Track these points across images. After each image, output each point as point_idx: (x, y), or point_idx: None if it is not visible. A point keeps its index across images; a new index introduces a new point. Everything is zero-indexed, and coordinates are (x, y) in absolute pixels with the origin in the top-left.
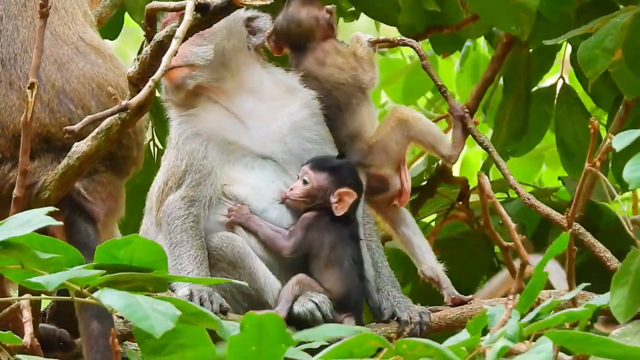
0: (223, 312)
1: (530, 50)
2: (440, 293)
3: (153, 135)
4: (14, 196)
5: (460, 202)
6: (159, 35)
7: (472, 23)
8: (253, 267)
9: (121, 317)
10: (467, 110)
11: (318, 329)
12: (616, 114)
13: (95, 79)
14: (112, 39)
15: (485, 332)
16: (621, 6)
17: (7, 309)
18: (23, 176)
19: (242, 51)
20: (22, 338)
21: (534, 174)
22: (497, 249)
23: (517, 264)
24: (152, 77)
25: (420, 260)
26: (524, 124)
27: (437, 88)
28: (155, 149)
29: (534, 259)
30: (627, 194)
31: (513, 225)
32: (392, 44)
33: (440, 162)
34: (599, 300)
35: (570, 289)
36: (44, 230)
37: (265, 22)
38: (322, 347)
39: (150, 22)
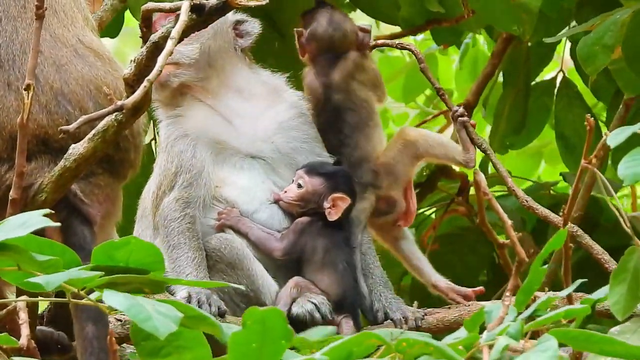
0: (221, 314)
1: (530, 44)
2: (450, 300)
3: (155, 135)
4: (10, 198)
5: (460, 197)
6: (154, 36)
7: (472, 16)
8: (251, 268)
9: (119, 320)
10: (466, 113)
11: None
12: (615, 110)
13: (93, 81)
14: (112, 37)
15: (482, 329)
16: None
17: (4, 310)
18: (20, 178)
19: (228, 52)
20: (19, 340)
21: (533, 171)
22: (498, 251)
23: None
24: (148, 78)
25: (428, 274)
26: (523, 118)
27: (435, 91)
28: (157, 146)
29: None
30: (627, 191)
31: (509, 222)
32: (389, 47)
33: None
34: (596, 294)
35: (567, 286)
36: (41, 233)
37: (252, 26)
38: None
39: (146, 23)
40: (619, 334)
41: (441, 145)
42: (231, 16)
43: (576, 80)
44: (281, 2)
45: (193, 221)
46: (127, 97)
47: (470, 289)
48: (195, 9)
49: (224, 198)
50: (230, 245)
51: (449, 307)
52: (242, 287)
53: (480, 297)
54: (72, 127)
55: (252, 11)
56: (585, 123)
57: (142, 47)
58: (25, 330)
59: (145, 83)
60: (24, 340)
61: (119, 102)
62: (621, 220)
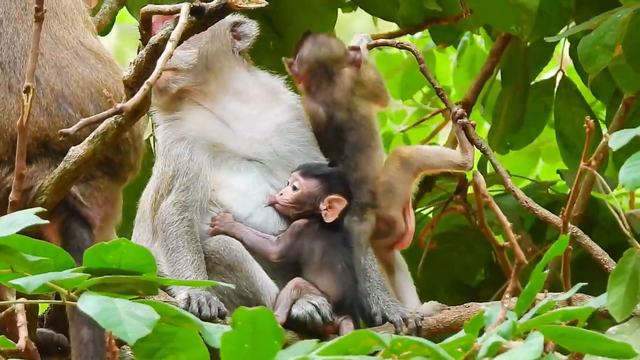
0: (221, 316)
1: (528, 43)
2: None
3: (153, 131)
4: (10, 200)
5: (458, 196)
6: (154, 39)
7: (470, 15)
8: (250, 270)
9: None
10: (466, 114)
11: None
12: (615, 107)
13: (94, 83)
14: (103, 35)
15: (482, 332)
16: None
17: (3, 312)
18: (19, 180)
19: (226, 54)
20: (17, 342)
21: (531, 169)
22: (497, 253)
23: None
24: (147, 81)
25: (413, 306)
26: (522, 116)
27: (434, 91)
28: (155, 144)
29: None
30: (625, 189)
31: (508, 225)
32: (390, 46)
33: None
34: (597, 301)
35: (566, 289)
36: (39, 235)
37: (250, 28)
38: None
39: (145, 25)
40: (617, 334)
41: (436, 154)
42: (229, 18)
43: (575, 79)
44: (278, 2)
45: (191, 224)
46: (127, 99)
47: None
48: (194, 11)
49: (219, 202)
50: (229, 247)
51: (449, 308)
52: (231, 286)
53: (478, 297)
54: (72, 129)
55: (249, 11)
56: (585, 125)
57: (141, 50)
58: (23, 333)
59: (144, 86)
60: (22, 343)
61: (119, 105)
62: (619, 221)
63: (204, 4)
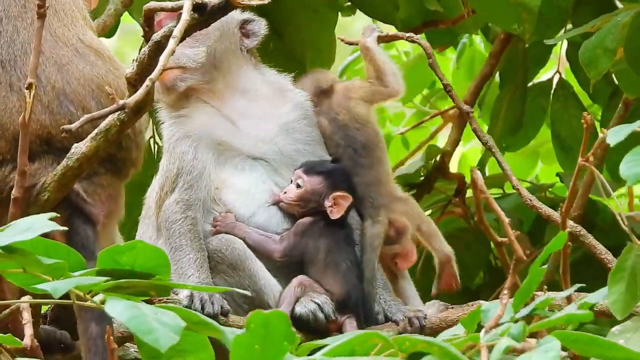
0: (224, 314)
1: (527, 45)
2: None
3: (153, 132)
4: (12, 197)
5: (457, 198)
6: (156, 36)
7: (469, 17)
8: (253, 269)
9: None
10: (472, 110)
11: None
12: (612, 110)
13: (95, 80)
14: (108, 37)
15: (479, 328)
16: (618, 2)
17: (7, 310)
18: (22, 177)
19: (235, 53)
20: (22, 339)
21: (529, 171)
22: (493, 245)
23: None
24: (150, 77)
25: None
26: (520, 118)
27: (442, 86)
28: (156, 146)
29: None
30: (623, 190)
31: (507, 221)
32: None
33: (438, 157)
34: (594, 297)
35: (566, 286)
36: (45, 233)
37: (259, 26)
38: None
39: (148, 22)
40: (620, 334)
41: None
42: (237, 16)
43: (572, 81)
44: (278, 2)
45: (195, 222)
46: (130, 96)
47: None
48: (197, 8)
49: (222, 201)
50: (231, 246)
51: (452, 307)
52: (247, 293)
53: (478, 300)
54: (74, 126)
55: (249, 11)
56: (582, 121)
57: (144, 46)
58: (29, 331)
59: (147, 82)
60: (27, 341)
61: (121, 102)
62: (619, 219)
63: (207, 0)
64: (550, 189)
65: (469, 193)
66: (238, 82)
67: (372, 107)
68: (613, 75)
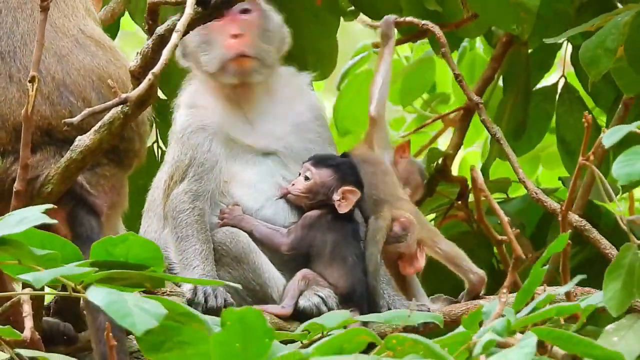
0: (227, 306)
1: (530, 50)
2: None
3: (157, 137)
4: (14, 190)
5: (460, 202)
6: (160, 29)
7: (472, 22)
8: (257, 262)
9: None
10: (482, 102)
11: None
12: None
13: (95, 71)
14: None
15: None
16: (619, 5)
17: (8, 302)
18: (24, 170)
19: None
20: (23, 332)
21: (531, 175)
22: (496, 248)
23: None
24: (153, 71)
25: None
26: (523, 123)
27: (454, 76)
28: (159, 150)
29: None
30: (624, 194)
31: (506, 219)
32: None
33: (439, 160)
34: (595, 298)
35: (565, 282)
36: (47, 226)
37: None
38: None
39: (152, 16)
40: (615, 331)
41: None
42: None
43: (577, 85)
44: (278, 6)
45: (202, 213)
46: (133, 89)
47: None
48: (200, 1)
49: (230, 194)
50: (236, 239)
51: (458, 301)
52: (238, 286)
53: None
54: (75, 119)
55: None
56: (583, 120)
57: (148, 40)
58: (28, 323)
59: (150, 76)
60: (27, 333)
61: (124, 95)
62: (620, 221)
63: None
64: (554, 194)
65: (472, 197)
66: (269, 83)
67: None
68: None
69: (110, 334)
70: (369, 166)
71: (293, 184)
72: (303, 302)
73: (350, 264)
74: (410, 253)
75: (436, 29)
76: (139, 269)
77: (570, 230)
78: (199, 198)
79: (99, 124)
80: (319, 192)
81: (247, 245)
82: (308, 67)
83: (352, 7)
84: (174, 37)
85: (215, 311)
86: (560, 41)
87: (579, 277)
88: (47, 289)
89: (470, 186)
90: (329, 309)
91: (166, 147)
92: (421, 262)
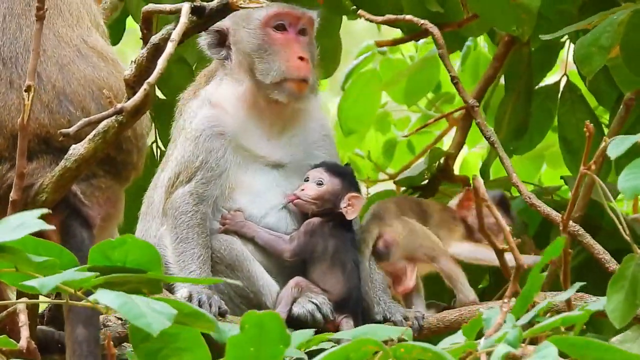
0: (221, 314)
1: (532, 49)
2: None
3: (156, 138)
4: (10, 199)
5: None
6: (155, 38)
7: (473, 21)
8: (251, 269)
9: (120, 319)
10: (477, 104)
11: None
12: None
13: (96, 82)
14: (114, 44)
15: (480, 335)
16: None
17: (4, 312)
18: (20, 179)
19: None
20: (19, 341)
21: (534, 174)
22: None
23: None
24: (148, 80)
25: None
26: (525, 122)
27: (450, 78)
28: (158, 150)
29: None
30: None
31: (508, 228)
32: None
33: (442, 160)
34: (595, 305)
35: (566, 288)
36: (39, 233)
37: None
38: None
39: (146, 24)
40: (620, 343)
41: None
42: None
43: (579, 84)
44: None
45: (204, 217)
46: (128, 98)
47: None
48: (195, 10)
49: (235, 201)
50: (230, 246)
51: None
52: (238, 283)
53: (482, 301)
54: (72, 129)
55: None
56: (585, 129)
57: (142, 49)
58: (25, 333)
59: (145, 85)
60: (23, 343)
61: (119, 105)
62: (620, 227)
63: (205, 3)
64: (556, 192)
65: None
66: None
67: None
68: None
69: (111, 342)
70: None
71: (303, 189)
72: (297, 310)
73: (349, 270)
74: (396, 271)
75: (435, 30)
76: (136, 272)
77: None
78: (203, 202)
79: (93, 132)
80: (329, 199)
81: (241, 252)
82: None
83: (354, 7)
84: (169, 46)
85: None
86: (561, 39)
87: (578, 284)
88: (42, 298)
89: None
90: (324, 316)
91: (165, 148)
92: (409, 282)
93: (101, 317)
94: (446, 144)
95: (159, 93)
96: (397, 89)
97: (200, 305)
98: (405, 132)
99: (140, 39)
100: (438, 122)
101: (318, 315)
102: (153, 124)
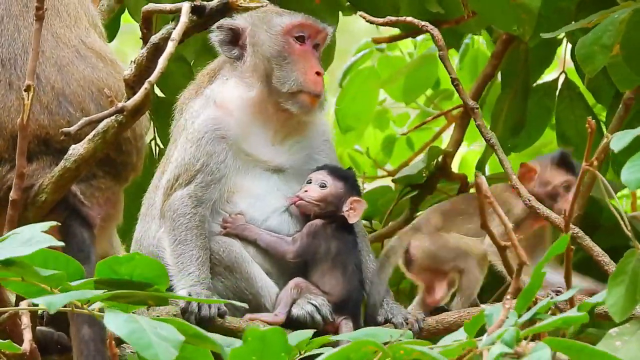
0: (221, 315)
1: (530, 45)
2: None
3: (155, 135)
4: (10, 199)
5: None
6: (155, 38)
7: (472, 18)
8: (250, 271)
9: None
10: (478, 106)
11: None
12: (616, 110)
13: (95, 82)
14: (108, 41)
15: (482, 332)
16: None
17: (6, 314)
18: (20, 179)
19: None
20: (20, 342)
21: None
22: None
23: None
24: (148, 80)
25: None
26: (521, 120)
27: (450, 80)
28: (157, 148)
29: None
30: (627, 191)
31: (510, 225)
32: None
33: (440, 158)
34: (594, 298)
35: (568, 288)
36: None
37: None
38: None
39: (146, 24)
40: (618, 336)
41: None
42: None
43: (577, 81)
44: (276, 3)
45: (203, 220)
46: (128, 98)
47: None
48: (195, 10)
49: (235, 204)
50: (228, 248)
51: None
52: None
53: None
54: (73, 129)
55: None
56: (587, 125)
57: (142, 48)
58: (28, 335)
59: (145, 85)
60: (26, 346)
61: (120, 104)
62: (622, 223)
63: (205, 3)
64: None
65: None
66: None
67: None
68: None
69: (113, 342)
70: None
71: (306, 191)
72: (296, 311)
73: (350, 272)
74: (427, 282)
75: (435, 32)
76: (143, 287)
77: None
78: (202, 205)
79: (93, 132)
80: (332, 202)
81: (240, 254)
82: None
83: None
84: (169, 45)
85: (208, 320)
86: (559, 37)
87: (579, 285)
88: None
89: (470, 183)
90: (323, 317)
91: (164, 146)
92: (437, 295)
93: None
94: (445, 140)
95: (157, 91)
96: (396, 87)
97: (199, 307)
98: (404, 129)
99: (140, 38)
100: (437, 119)
101: (317, 317)
102: (152, 122)
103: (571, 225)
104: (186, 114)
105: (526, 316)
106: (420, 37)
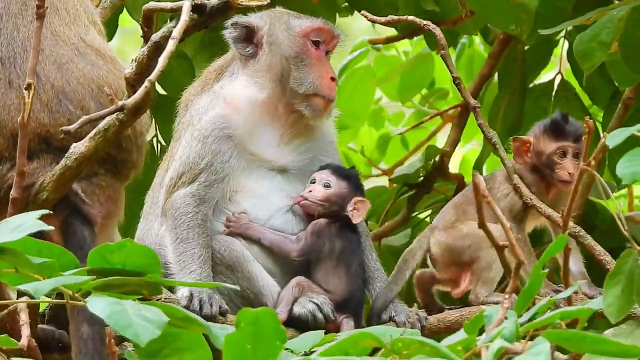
0: (222, 313)
1: (527, 46)
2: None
3: (157, 132)
4: (11, 197)
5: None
6: (155, 36)
7: (469, 18)
8: (251, 270)
9: None
10: (479, 105)
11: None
12: (612, 111)
13: (95, 80)
14: (108, 40)
15: (482, 332)
16: (616, 1)
17: (5, 311)
18: (20, 177)
19: None
20: (19, 339)
21: None
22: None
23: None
24: (149, 78)
25: None
26: (518, 120)
27: (452, 79)
28: (159, 145)
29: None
30: (623, 191)
31: (508, 225)
32: (415, 26)
33: (437, 158)
34: (594, 303)
35: (566, 287)
36: (40, 234)
37: None
38: None
39: (147, 22)
40: (613, 337)
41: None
42: None
43: (573, 82)
44: (275, 3)
45: (205, 218)
46: (129, 96)
47: None
48: (196, 8)
49: (239, 203)
50: (230, 247)
51: (450, 308)
52: (236, 287)
53: None
54: (73, 127)
55: (252, 12)
56: (584, 125)
57: (143, 47)
58: (25, 331)
59: (146, 83)
60: (24, 341)
61: (120, 102)
62: (619, 222)
63: (206, 1)
64: None
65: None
66: None
67: None
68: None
69: (112, 340)
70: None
71: (310, 191)
72: (298, 309)
73: (353, 271)
74: (453, 277)
75: (437, 31)
76: (136, 275)
77: None
78: (204, 203)
79: (94, 131)
80: (336, 202)
81: (241, 253)
82: None
83: (346, 4)
84: (170, 44)
85: (210, 318)
86: (557, 36)
87: (578, 283)
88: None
89: (467, 183)
90: (325, 316)
91: (166, 142)
92: (460, 288)
93: None
94: (440, 140)
95: (159, 88)
96: (391, 86)
97: (201, 305)
98: (400, 128)
99: (141, 37)
100: (432, 118)
101: (319, 315)
102: (153, 119)
103: (572, 224)
104: (192, 110)
105: (526, 316)
106: (416, 37)
